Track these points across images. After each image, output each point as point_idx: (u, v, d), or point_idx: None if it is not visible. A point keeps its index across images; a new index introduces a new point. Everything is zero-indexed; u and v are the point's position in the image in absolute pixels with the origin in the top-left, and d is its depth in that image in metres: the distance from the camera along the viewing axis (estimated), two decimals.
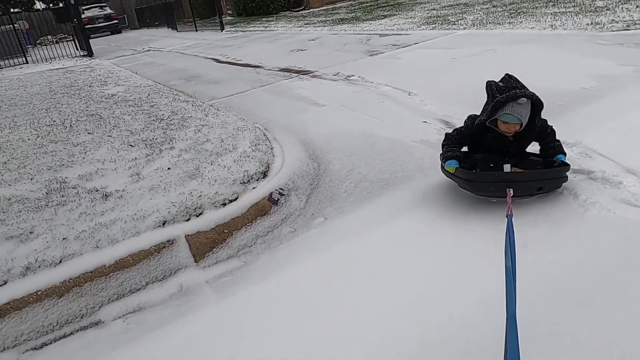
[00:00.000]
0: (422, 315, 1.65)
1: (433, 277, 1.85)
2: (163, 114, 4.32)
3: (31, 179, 3.09)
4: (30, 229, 2.40)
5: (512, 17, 6.55)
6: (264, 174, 2.83)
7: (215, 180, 2.70)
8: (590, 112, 3.21)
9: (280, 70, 6.10)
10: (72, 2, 12.30)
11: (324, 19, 11.93)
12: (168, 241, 2.25)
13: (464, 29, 6.53)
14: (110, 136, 3.82)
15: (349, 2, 15.60)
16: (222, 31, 14.71)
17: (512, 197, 2.06)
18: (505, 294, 1.27)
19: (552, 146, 2.33)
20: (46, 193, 2.81)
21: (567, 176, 2.27)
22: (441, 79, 4.42)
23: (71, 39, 16.09)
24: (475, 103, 3.36)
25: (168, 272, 2.20)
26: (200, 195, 2.55)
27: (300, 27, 11.07)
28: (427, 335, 1.55)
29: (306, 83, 5.16)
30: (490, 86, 2.34)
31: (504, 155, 2.33)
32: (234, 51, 9.12)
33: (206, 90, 5.64)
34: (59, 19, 14.18)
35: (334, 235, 2.34)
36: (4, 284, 2.07)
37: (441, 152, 2.45)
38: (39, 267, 2.14)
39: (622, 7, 5.81)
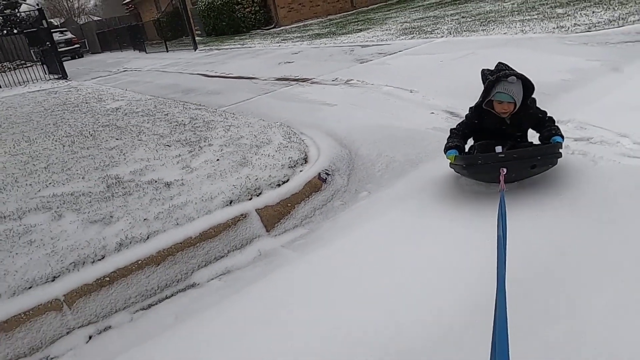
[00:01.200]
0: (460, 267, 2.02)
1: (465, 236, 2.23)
2: (183, 120, 4.59)
3: (82, 178, 3.31)
4: (109, 214, 2.65)
5: (483, 26, 7.20)
6: (305, 160, 3.17)
7: (266, 166, 3.02)
8: (574, 98, 3.73)
9: (277, 80, 6.46)
10: (46, 25, 12.28)
11: (299, 34, 12.42)
12: (241, 215, 2.55)
13: (442, 37, 7.12)
14: (140, 140, 4.06)
15: (319, 20, 16.22)
16: (195, 50, 14.95)
17: (505, 175, 2.16)
18: (496, 259, 1.36)
19: (549, 129, 2.40)
20: (107, 187, 3.05)
21: (560, 153, 2.30)
22: (435, 78, 4.90)
23: (31, 65, 15.81)
24: (472, 95, 3.87)
25: (245, 240, 2.50)
26: (257, 178, 2.86)
27: (278, 42, 11.50)
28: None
29: (308, 89, 5.55)
30: (483, 72, 2.53)
31: (503, 139, 2.44)
32: (218, 67, 9.41)
33: (210, 100, 5.92)
34: (31, 43, 14.07)
35: (380, 205, 2.69)
36: (102, 258, 2.31)
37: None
38: (130, 242, 2.39)
39: (580, 13, 6.54)
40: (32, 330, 1.99)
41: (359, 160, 3.28)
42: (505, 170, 2.20)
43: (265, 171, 2.95)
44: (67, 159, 3.81)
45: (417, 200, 2.63)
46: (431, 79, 4.90)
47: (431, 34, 7.59)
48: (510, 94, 2.35)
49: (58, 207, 2.82)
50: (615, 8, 6.41)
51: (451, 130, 2.66)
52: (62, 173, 3.46)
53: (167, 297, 2.22)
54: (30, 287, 2.15)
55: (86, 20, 40.64)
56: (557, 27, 5.96)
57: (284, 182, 2.86)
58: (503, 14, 7.93)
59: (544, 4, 8.10)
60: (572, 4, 7.56)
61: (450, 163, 2.53)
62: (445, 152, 2.53)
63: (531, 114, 2.47)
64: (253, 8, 16.52)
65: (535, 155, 2.27)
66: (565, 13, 6.81)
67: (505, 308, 1.14)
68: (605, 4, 6.87)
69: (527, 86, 2.39)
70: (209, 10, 17.73)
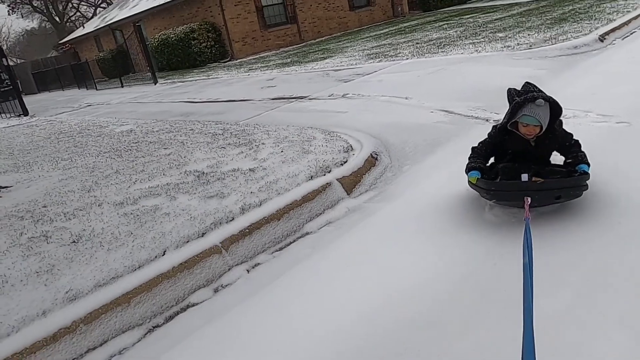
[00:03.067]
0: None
1: None
2: (215, 131, 5.23)
3: (164, 174, 3.88)
4: (219, 192, 3.28)
5: (441, 48, 8.46)
6: (351, 147, 3.97)
7: (326, 152, 3.78)
8: None
9: (273, 99, 7.22)
10: (6, 63, 12.26)
11: (263, 64, 13.29)
12: (327, 183, 3.29)
13: (407, 59, 8.27)
14: (189, 147, 4.66)
15: (273, 52, 17.23)
16: (155, 84, 15.29)
17: (529, 205, 2.18)
18: (522, 288, 1.45)
19: (575, 156, 2.43)
20: (196, 177, 3.66)
21: (587, 185, 2.30)
22: (421, 88, 5.91)
23: None
24: (457, 97, 4.92)
25: (334, 201, 3.24)
26: (324, 160, 3.62)
27: (245, 72, 12.28)
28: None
29: (310, 103, 6.37)
30: (510, 92, 2.52)
31: (527, 161, 2.46)
32: (197, 95, 9.98)
33: (220, 119, 6.53)
34: None
35: (419, 174, 3.53)
36: (232, 219, 2.95)
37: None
38: (249, 207, 3.05)
39: (518, 36, 7.96)
40: (205, 268, 2.60)
41: (390, 146, 4.13)
42: (529, 199, 2.21)
43: (327, 155, 3.72)
44: (131, 166, 4.33)
45: (448, 169, 3.50)
46: (417, 89, 5.90)
47: (396, 57, 8.74)
48: (537, 117, 2.33)
49: (167, 193, 3.40)
50: (545, 31, 7.89)
51: (473, 148, 2.66)
52: (140, 174, 4.00)
53: (291, 242, 2.90)
54: (187, 242, 2.75)
55: (14, 63, 39.25)
56: (504, 47, 7.27)
57: (344, 162, 3.64)
58: (453, 39, 9.29)
59: (484, 30, 9.59)
60: (508, 29, 9.06)
61: (470, 183, 2.54)
62: (467, 173, 2.55)
63: (557, 137, 2.47)
64: (209, 43, 17.26)
65: (562, 187, 2.29)
66: (506, 36, 8.23)
67: (533, 337, 1.16)
68: (535, 29, 8.38)
69: (555, 109, 2.37)
70: (162, 46, 18.22)
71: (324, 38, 18.76)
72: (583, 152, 2.45)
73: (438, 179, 3.34)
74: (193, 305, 2.45)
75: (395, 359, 1.80)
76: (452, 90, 5.52)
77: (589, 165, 2.38)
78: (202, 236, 2.80)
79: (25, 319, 2.21)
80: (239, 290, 2.53)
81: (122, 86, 17.41)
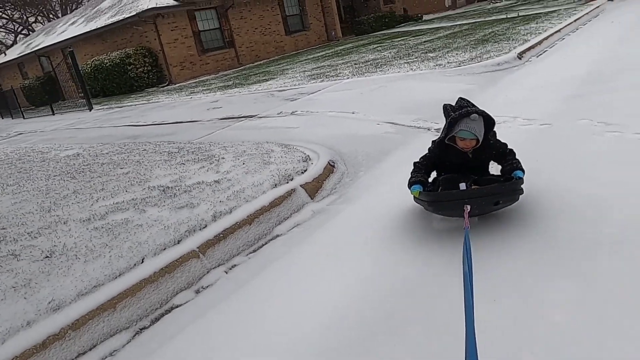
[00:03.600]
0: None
1: None
2: (171, 150, 5.29)
3: (126, 191, 3.91)
4: (188, 202, 3.40)
5: (378, 68, 9.02)
6: (309, 157, 4.22)
7: (286, 162, 4.01)
8: None
9: (222, 119, 7.35)
10: None
11: (204, 88, 13.33)
12: (292, 189, 3.51)
13: (348, 78, 8.73)
14: (146, 166, 4.70)
15: (212, 76, 17.30)
16: (90, 110, 14.83)
17: (469, 213, 2.26)
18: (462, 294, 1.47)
19: (510, 164, 2.54)
20: (162, 191, 3.74)
21: (522, 189, 2.41)
22: (365, 104, 6.32)
23: None
24: (399, 110, 5.36)
25: (299, 206, 3.46)
26: (286, 169, 3.84)
27: (189, 95, 12.27)
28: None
29: (260, 121, 6.57)
30: (446, 107, 2.63)
31: (466, 172, 2.58)
32: (140, 118, 9.86)
33: (170, 139, 6.58)
34: None
35: (374, 178, 3.85)
36: (205, 226, 3.09)
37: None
38: (220, 215, 3.20)
39: (447, 55, 8.69)
40: (185, 271, 2.72)
41: (344, 155, 4.43)
42: (469, 207, 2.29)
43: (288, 165, 3.94)
44: (89, 185, 4.30)
45: (398, 175, 3.85)
46: (362, 104, 6.31)
47: (337, 77, 9.19)
48: (472, 132, 2.44)
49: (134, 207, 3.46)
50: (471, 51, 8.67)
51: (414, 163, 2.76)
52: (101, 192, 4.00)
53: (264, 244, 3.08)
54: (164, 249, 2.85)
55: None
56: (436, 65, 7.92)
57: (305, 170, 3.88)
58: (388, 60, 9.92)
59: (416, 51, 10.33)
60: (437, 50, 9.84)
61: (414, 197, 2.64)
62: (409, 187, 2.64)
63: (492, 147, 2.61)
64: (145, 68, 17.03)
65: (499, 192, 2.37)
66: (437, 56, 8.94)
67: (475, 341, 1.18)
68: (462, 49, 9.18)
69: (488, 122, 2.51)
70: (96, 72, 17.71)
71: (262, 61, 19.12)
72: (517, 159, 2.57)
73: (391, 184, 3.65)
74: (177, 306, 2.56)
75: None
76: (394, 104, 5.97)
77: (523, 171, 2.50)
78: (179, 243, 2.91)
79: (9, 330, 2.22)
80: (219, 290, 2.66)
81: (54, 113, 16.71)
